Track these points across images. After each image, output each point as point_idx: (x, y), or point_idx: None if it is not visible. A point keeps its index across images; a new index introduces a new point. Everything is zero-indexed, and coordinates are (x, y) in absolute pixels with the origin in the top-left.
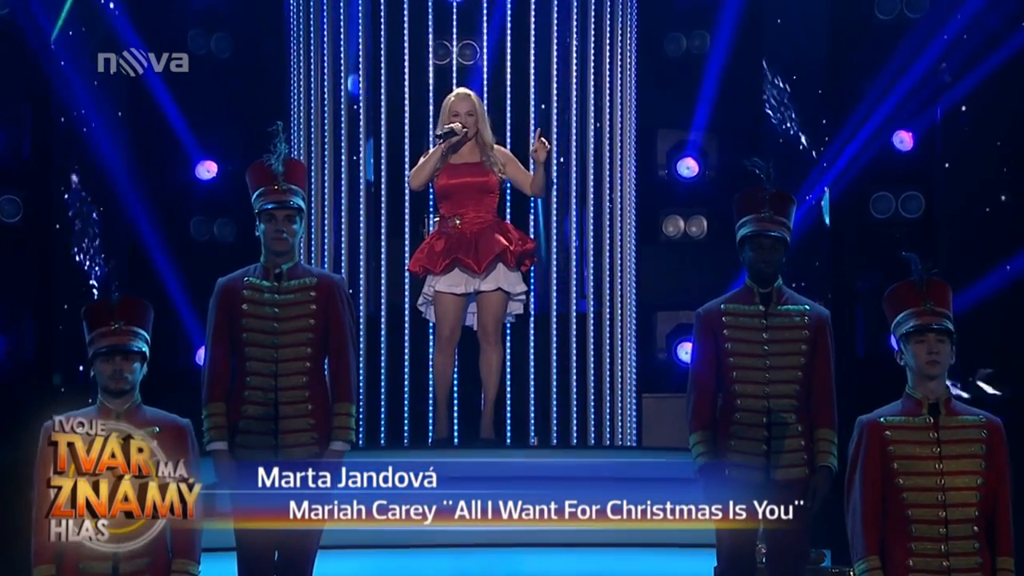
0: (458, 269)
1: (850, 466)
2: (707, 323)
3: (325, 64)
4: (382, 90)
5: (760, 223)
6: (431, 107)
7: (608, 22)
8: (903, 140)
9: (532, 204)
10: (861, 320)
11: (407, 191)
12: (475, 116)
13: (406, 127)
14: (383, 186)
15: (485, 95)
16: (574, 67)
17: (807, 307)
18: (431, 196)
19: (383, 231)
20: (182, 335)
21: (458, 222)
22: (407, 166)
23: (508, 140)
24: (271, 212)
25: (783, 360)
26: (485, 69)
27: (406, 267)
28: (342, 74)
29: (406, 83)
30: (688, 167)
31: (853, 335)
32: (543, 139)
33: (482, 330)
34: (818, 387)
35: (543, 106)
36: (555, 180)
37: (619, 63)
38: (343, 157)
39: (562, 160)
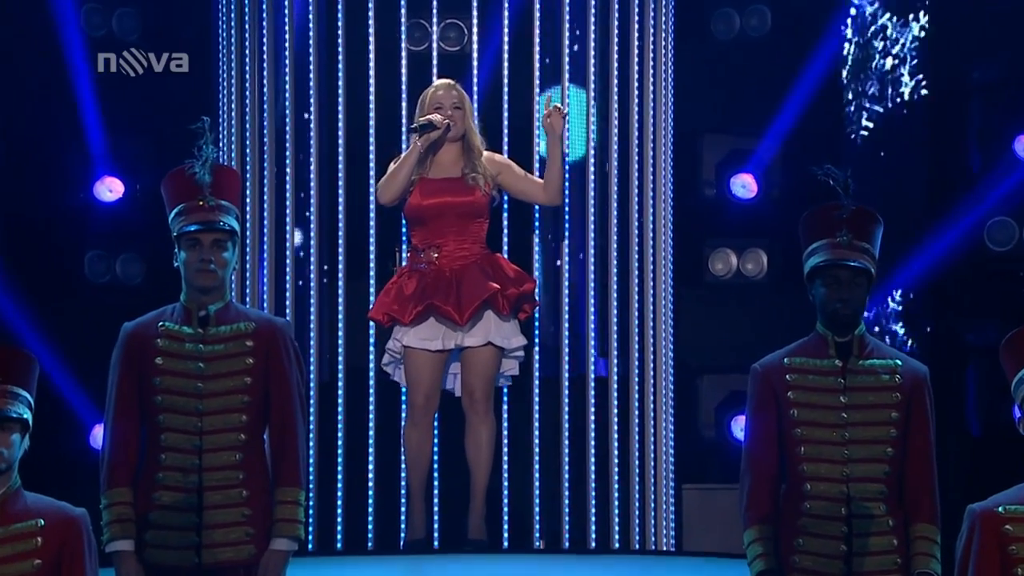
0: (434, 319)
1: (958, 571)
2: (766, 383)
3: (265, 48)
4: (340, 83)
5: (835, 250)
6: (404, 105)
7: None
8: None
9: (537, 228)
10: (973, 383)
11: (373, 216)
12: (462, 109)
13: (371, 133)
14: (341, 210)
15: (475, 93)
16: (592, 55)
17: (898, 362)
18: (403, 222)
19: (341, 270)
20: (71, 410)
21: (435, 256)
22: (372, 183)
23: (506, 151)
24: (195, 235)
25: (867, 431)
26: (476, 58)
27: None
28: (286, 61)
29: (371, 75)
30: (744, 185)
31: (962, 402)
32: (556, 104)
33: (468, 397)
34: (914, 468)
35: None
36: (567, 199)
37: (651, 48)
38: (288, 170)
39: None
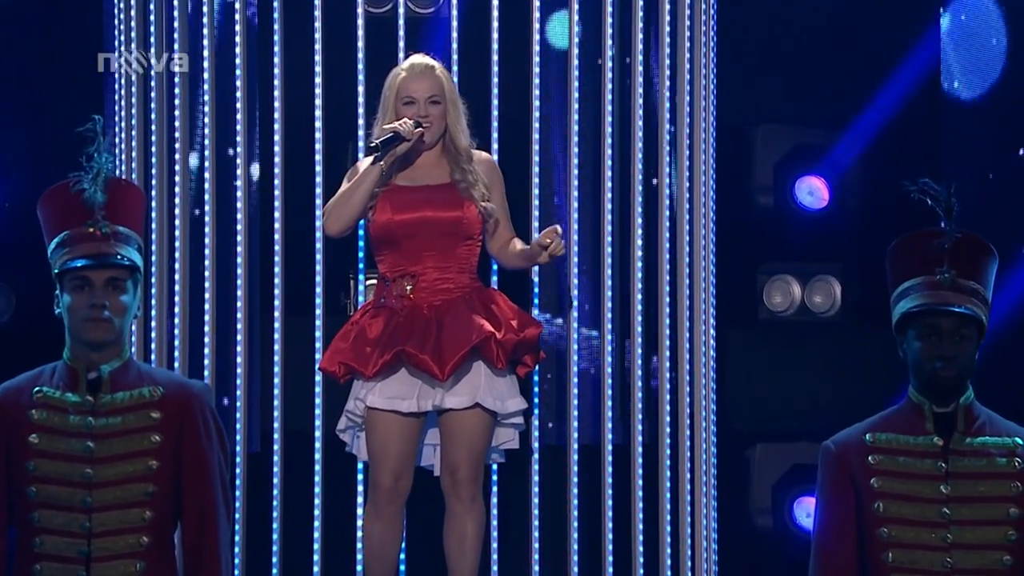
0: (406, 371)
1: None
2: (842, 466)
3: (176, 15)
4: (276, 58)
5: (934, 291)
6: (360, 91)
7: None
8: None
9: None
10: None
11: (319, 237)
12: (442, 104)
13: (317, 125)
14: (277, 227)
15: (454, 72)
16: (609, 22)
17: (1019, 440)
18: (360, 243)
19: (278, 306)
20: None
21: (409, 288)
22: (319, 194)
23: (494, 148)
24: (83, 274)
25: (978, 533)
26: (455, 27)
27: (317, 366)
28: (204, 32)
29: (317, 47)
30: (811, 192)
31: None
32: (558, 231)
33: (449, 477)
34: None
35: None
36: (576, 210)
37: (688, 13)
38: (207, 176)
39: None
